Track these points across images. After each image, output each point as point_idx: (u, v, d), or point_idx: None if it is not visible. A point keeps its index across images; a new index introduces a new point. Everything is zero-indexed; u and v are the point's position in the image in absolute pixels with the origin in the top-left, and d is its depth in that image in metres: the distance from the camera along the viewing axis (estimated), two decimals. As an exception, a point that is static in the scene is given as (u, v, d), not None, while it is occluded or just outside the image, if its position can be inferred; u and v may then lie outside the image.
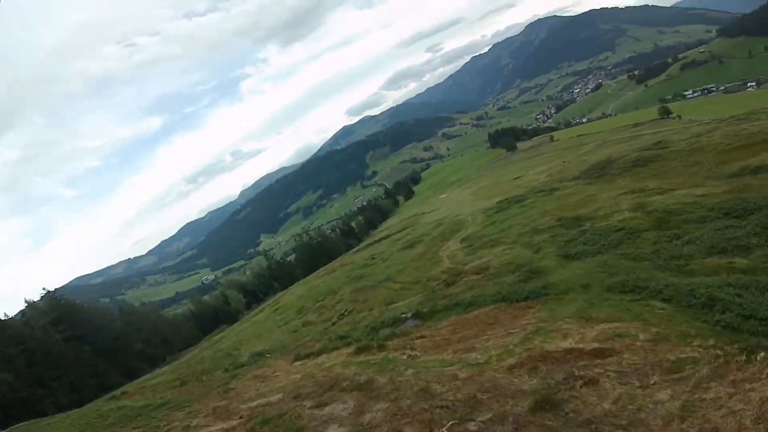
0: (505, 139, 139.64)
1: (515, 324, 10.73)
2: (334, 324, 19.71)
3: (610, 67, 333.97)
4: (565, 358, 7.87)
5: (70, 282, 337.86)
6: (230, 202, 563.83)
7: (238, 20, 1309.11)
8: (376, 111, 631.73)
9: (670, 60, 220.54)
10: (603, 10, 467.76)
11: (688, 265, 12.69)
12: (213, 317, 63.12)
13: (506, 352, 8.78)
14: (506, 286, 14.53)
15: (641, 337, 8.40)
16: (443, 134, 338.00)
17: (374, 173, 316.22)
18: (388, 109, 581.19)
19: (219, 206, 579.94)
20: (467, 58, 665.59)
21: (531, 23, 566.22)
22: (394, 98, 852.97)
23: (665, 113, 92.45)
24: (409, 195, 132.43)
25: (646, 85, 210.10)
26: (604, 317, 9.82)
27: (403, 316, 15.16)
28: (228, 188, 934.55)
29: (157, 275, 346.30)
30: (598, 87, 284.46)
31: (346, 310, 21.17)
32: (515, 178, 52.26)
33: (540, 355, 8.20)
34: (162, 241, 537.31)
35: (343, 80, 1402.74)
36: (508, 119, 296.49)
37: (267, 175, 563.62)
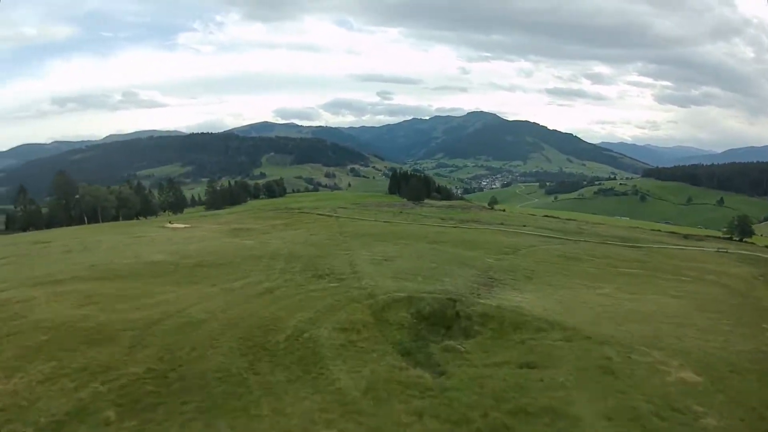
0: (414, 185, 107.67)
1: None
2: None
3: (517, 174, 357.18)
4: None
5: None
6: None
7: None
8: (305, 123, 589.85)
9: (585, 183, 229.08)
10: (534, 125, 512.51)
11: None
12: None
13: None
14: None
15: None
16: (351, 169, 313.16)
17: (263, 175, 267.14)
18: (318, 127, 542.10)
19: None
20: (409, 117, 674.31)
21: (472, 112, 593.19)
22: (327, 120, 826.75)
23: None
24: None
25: (555, 197, 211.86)
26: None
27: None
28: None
29: None
30: (508, 185, 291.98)
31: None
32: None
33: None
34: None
35: (287, 81, 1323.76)
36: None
37: (150, 130, 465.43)
